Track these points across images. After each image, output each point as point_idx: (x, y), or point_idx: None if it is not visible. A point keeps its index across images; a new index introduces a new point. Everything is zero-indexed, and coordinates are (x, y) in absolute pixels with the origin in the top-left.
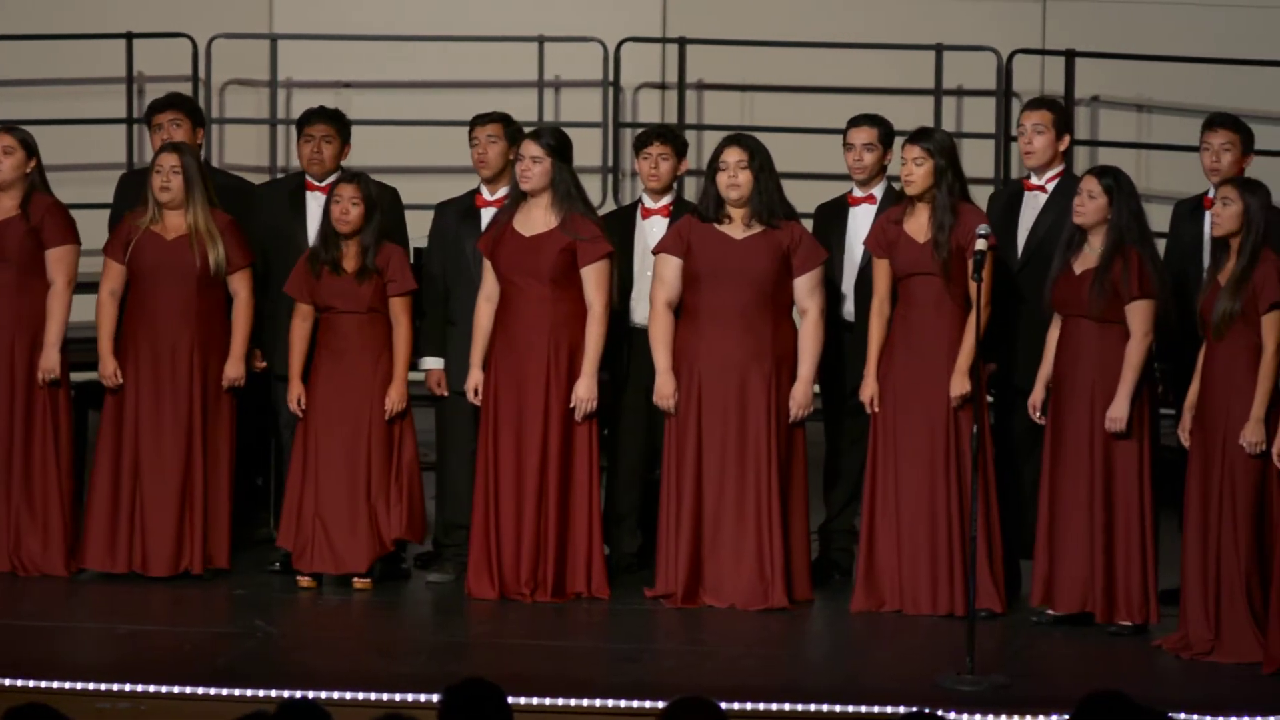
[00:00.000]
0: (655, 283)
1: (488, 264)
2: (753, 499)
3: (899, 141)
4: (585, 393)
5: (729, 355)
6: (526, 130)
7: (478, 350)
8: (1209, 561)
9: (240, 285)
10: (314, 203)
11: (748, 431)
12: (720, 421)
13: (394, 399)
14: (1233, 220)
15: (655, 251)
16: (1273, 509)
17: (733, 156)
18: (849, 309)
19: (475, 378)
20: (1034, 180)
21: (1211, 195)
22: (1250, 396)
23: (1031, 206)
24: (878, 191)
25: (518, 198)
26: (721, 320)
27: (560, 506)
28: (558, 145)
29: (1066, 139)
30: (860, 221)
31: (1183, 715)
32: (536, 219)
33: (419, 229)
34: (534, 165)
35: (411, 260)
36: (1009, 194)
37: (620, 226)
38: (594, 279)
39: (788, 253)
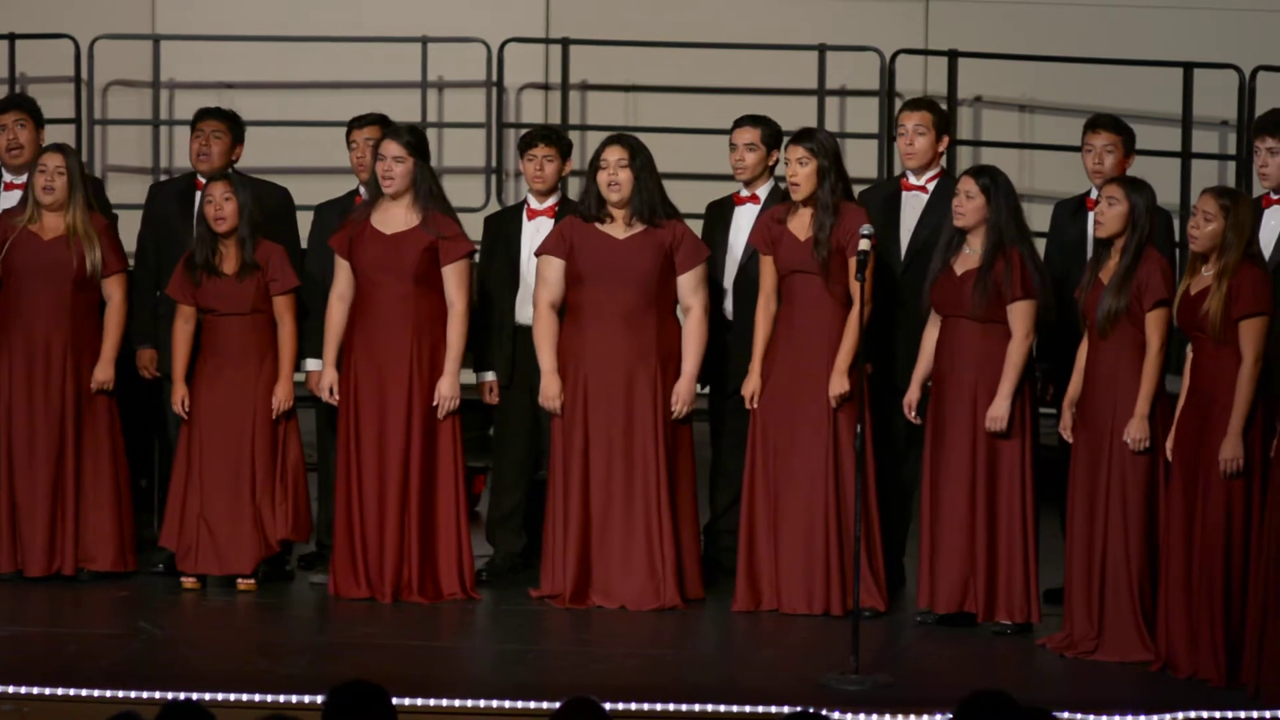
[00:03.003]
0: (538, 284)
1: (342, 263)
2: (641, 498)
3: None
4: (448, 390)
5: (614, 354)
6: (385, 130)
7: (331, 349)
8: (1094, 560)
9: (115, 289)
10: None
11: (634, 430)
12: (607, 420)
13: (280, 398)
14: (1118, 220)
15: (538, 253)
16: (1159, 507)
17: (613, 156)
18: (729, 307)
19: (330, 377)
20: (913, 180)
21: (1094, 196)
22: (1135, 394)
23: (912, 207)
24: (762, 191)
25: (375, 197)
26: (605, 319)
27: (425, 506)
28: (418, 144)
29: (946, 140)
30: (744, 220)
31: (1066, 714)
32: (397, 218)
33: (302, 229)
34: (396, 166)
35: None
36: (886, 193)
37: (505, 227)
38: (455, 278)
39: (670, 251)
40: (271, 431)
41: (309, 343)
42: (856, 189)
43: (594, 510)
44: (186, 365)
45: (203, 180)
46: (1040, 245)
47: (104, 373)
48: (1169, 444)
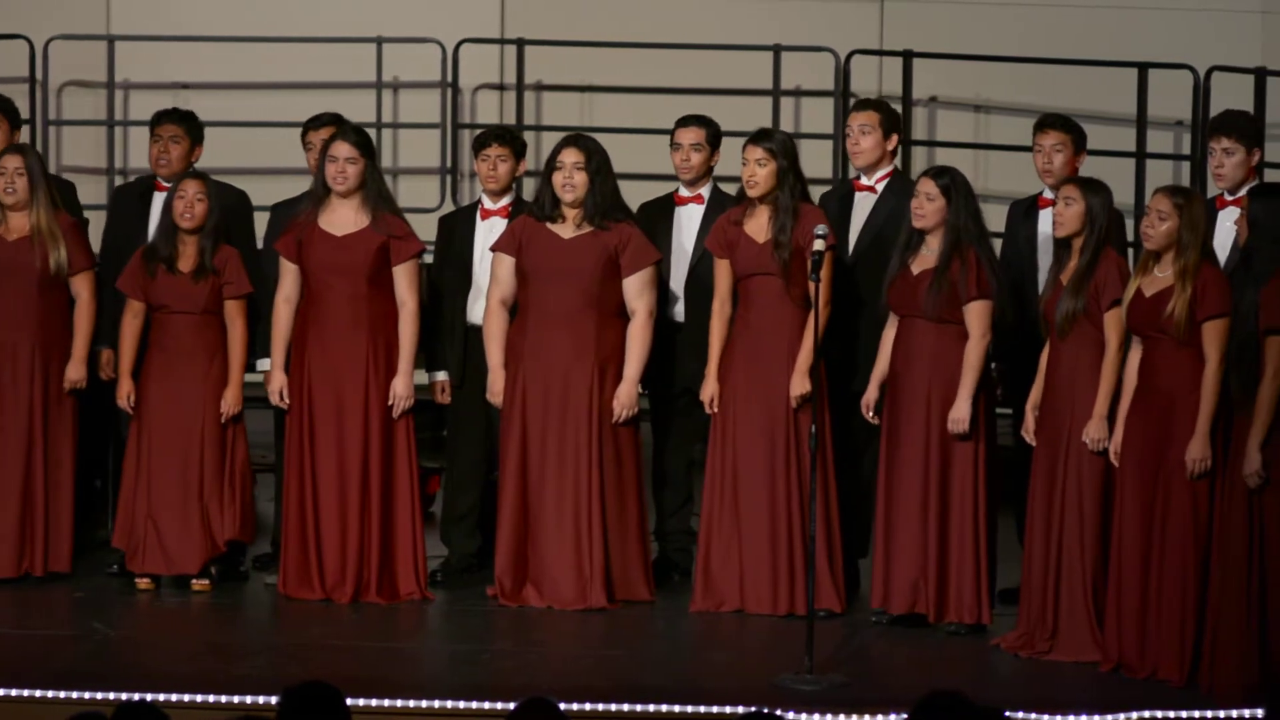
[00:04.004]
0: (490, 281)
1: (288, 265)
2: (572, 499)
3: (731, 142)
4: (403, 390)
5: (552, 354)
6: (334, 131)
7: (279, 352)
8: (1050, 559)
9: (82, 287)
10: (159, 204)
11: (568, 432)
12: (542, 420)
13: (230, 401)
14: (1075, 220)
15: (492, 249)
16: (1115, 508)
17: (570, 158)
18: (678, 309)
19: (280, 380)
20: (864, 180)
21: (1047, 195)
22: (1093, 394)
23: (862, 207)
24: (705, 191)
25: (320, 198)
26: (547, 319)
27: (384, 507)
28: (368, 144)
29: (894, 139)
30: (687, 221)
31: (1021, 714)
32: (346, 219)
33: (257, 230)
34: (350, 166)
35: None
36: (841, 194)
37: (459, 227)
38: (406, 277)
39: (615, 253)
40: (220, 432)
41: (263, 344)
42: (812, 189)
43: (530, 509)
44: (133, 361)
45: (163, 183)
46: (996, 246)
47: (76, 371)
48: (1114, 444)
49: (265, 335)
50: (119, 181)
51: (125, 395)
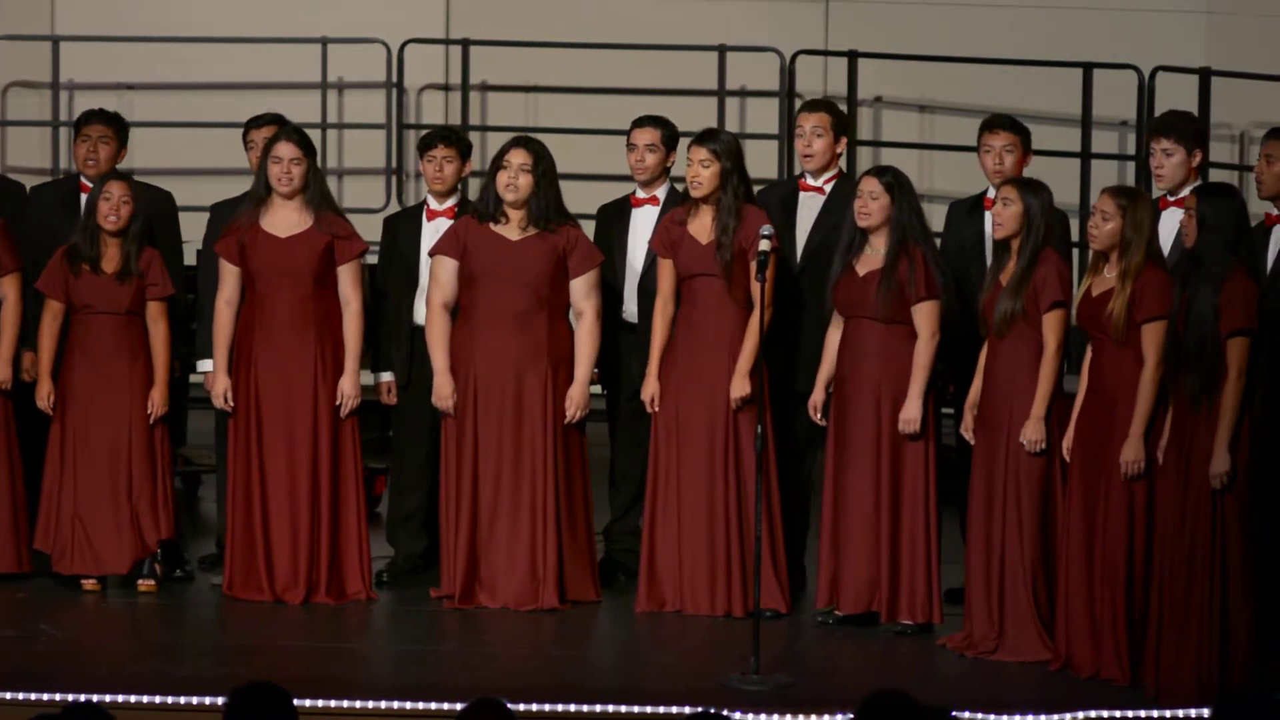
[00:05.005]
0: (431, 284)
1: (229, 268)
2: (528, 500)
3: (683, 143)
4: (351, 389)
5: (504, 357)
6: (278, 131)
7: (222, 355)
8: (992, 560)
9: (9, 288)
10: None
11: (523, 433)
12: (495, 423)
13: (157, 403)
14: (1014, 221)
15: (431, 253)
16: (1055, 507)
17: (517, 159)
18: (631, 310)
19: (224, 382)
20: (810, 181)
21: (992, 195)
22: (1032, 395)
23: (809, 208)
24: (660, 193)
25: (261, 199)
26: (497, 321)
27: (332, 507)
28: (310, 144)
29: (844, 141)
30: (643, 223)
31: (967, 714)
32: (289, 220)
33: (197, 229)
34: (295, 167)
35: (195, 262)
36: (784, 193)
37: (404, 228)
38: (350, 276)
39: (563, 255)
40: (148, 433)
41: (206, 345)
42: (756, 189)
43: (481, 511)
44: (52, 362)
45: (87, 183)
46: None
47: (2, 372)
48: (1066, 444)
49: (206, 337)
50: None
51: (45, 396)
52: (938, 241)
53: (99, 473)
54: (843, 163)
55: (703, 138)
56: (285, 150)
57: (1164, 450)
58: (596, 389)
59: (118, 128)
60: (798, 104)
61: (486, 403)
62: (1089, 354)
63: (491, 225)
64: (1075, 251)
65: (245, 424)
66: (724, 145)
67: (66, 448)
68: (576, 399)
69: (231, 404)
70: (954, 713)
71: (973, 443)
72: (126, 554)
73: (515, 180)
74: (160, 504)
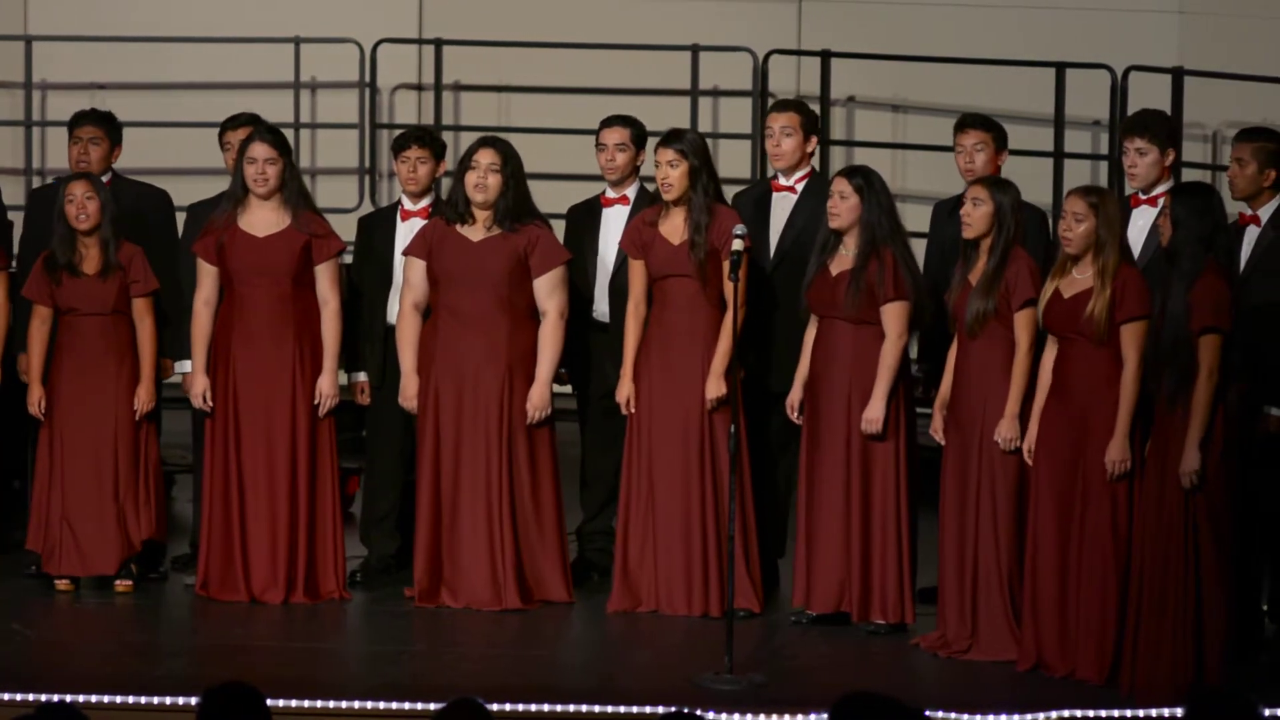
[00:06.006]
0: (403, 285)
1: (207, 268)
2: (484, 501)
3: (650, 143)
4: (329, 388)
5: (464, 357)
6: (252, 132)
7: (200, 355)
8: (966, 560)
9: None
10: None
11: (479, 433)
12: (455, 423)
13: (143, 399)
14: (983, 220)
15: (404, 254)
16: (1028, 507)
17: (485, 159)
18: (603, 310)
19: (202, 382)
20: (782, 181)
21: None
22: (1004, 394)
23: (782, 207)
24: (631, 192)
25: (239, 199)
26: (459, 322)
27: (310, 507)
28: (285, 144)
29: (814, 140)
30: (613, 222)
31: (940, 713)
32: (267, 219)
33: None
34: (269, 167)
35: None
36: (758, 194)
37: (378, 228)
38: (328, 275)
39: (524, 255)
40: (134, 432)
41: (184, 344)
42: (730, 190)
43: (444, 512)
44: (43, 366)
45: None
46: (918, 245)
47: None
48: (1028, 444)
49: (184, 337)
50: (37, 182)
51: (36, 401)
52: (917, 242)
53: (85, 474)
54: (815, 162)
55: (668, 138)
56: (260, 151)
57: (1147, 450)
58: (565, 389)
59: (109, 128)
60: (771, 104)
61: (447, 404)
62: (1052, 352)
63: (458, 226)
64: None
65: (223, 424)
66: (690, 144)
67: (55, 450)
68: (537, 400)
69: (210, 404)
70: (927, 712)
71: (943, 443)
72: (113, 554)
73: (484, 180)
74: (143, 503)
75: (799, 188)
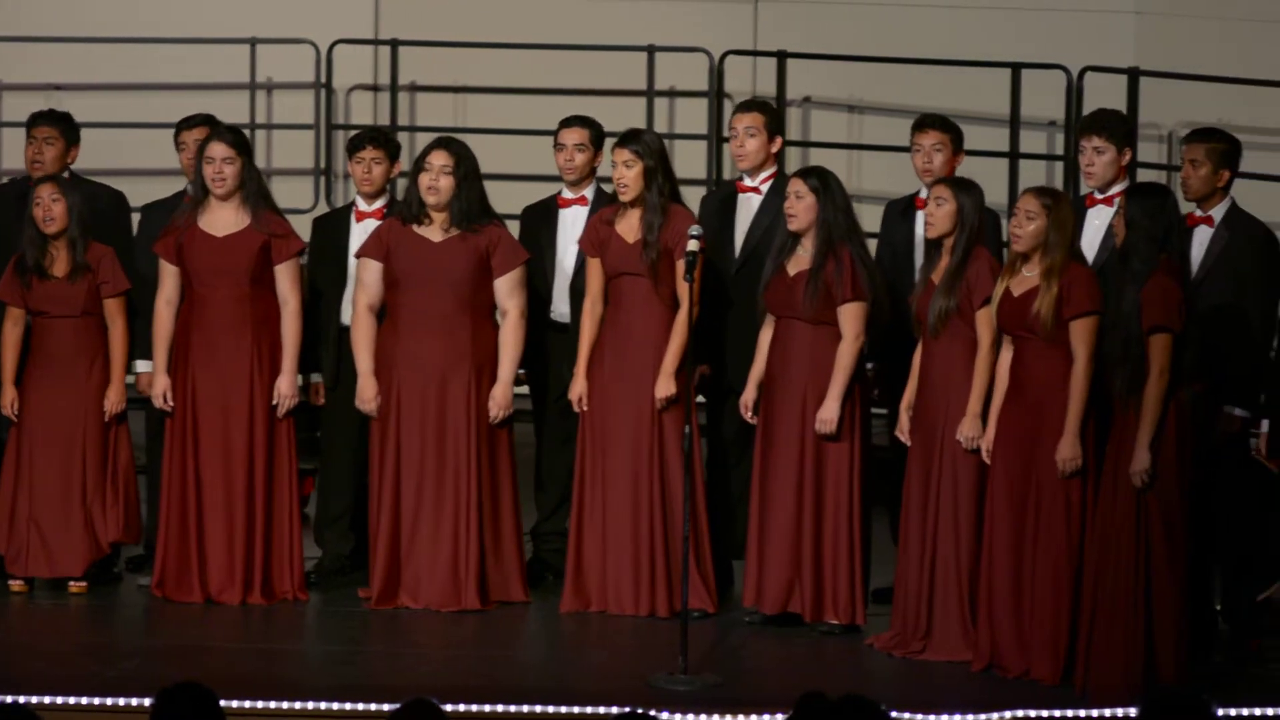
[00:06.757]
0: (357, 286)
1: (169, 267)
2: (450, 502)
3: (608, 143)
4: (288, 389)
5: (428, 358)
6: (209, 132)
7: (161, 355)
8: (925, 559)
9: None
10: None
11: (446, 435)
12: (419, 424)
13: (113, 400)
14: (946, 220)
15: (357, 255)
16: (986, 506)
17: (438, 161)
18: (562, 310)
19: (163, 383)
20: (747, 182)
21: (923, 195)
22: (966, 393)
23: (746, 208)
24: (589, 193)
25: (199, 199)
26: (421, 323)
27: (267, 507)
28: (244, 143)
29: (778, 141)
30: (571, 223)
31: (895, 713)
32: (226, 219)
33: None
34: (227, 167)
35: None
36: (722, 196)
37: (333, 229)
38: (288, 275)
39: (486, 255)
40: (103, 434)
41: (139, 344)
42: (686, 190)
43: (405, 513)
44: (15, 368)
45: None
46: (872, 246)
47: None
48: (986, 443)
49: (144, 337)
50: None
51: (9, 403)
52: (871, 242)
53: (53, 475)
54: (777, 163)
55: (624, 139)
56: (217, 150)
57: (1106, 449)
58: (522, 389)
59: (64, 128)
60: (727, 104)
61: (410, 405)
62: (1009, 352)
63: (415, 227)
64: (1005, 251)
65: (181, 424)
66: (645, 145)
67: (23, 451)
68: (499, 399)
69: (171, 404)
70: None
71: (908, 444)
72: (79, 556)
73: (436, 183)
74: (110, 504)
75: (764, 188)
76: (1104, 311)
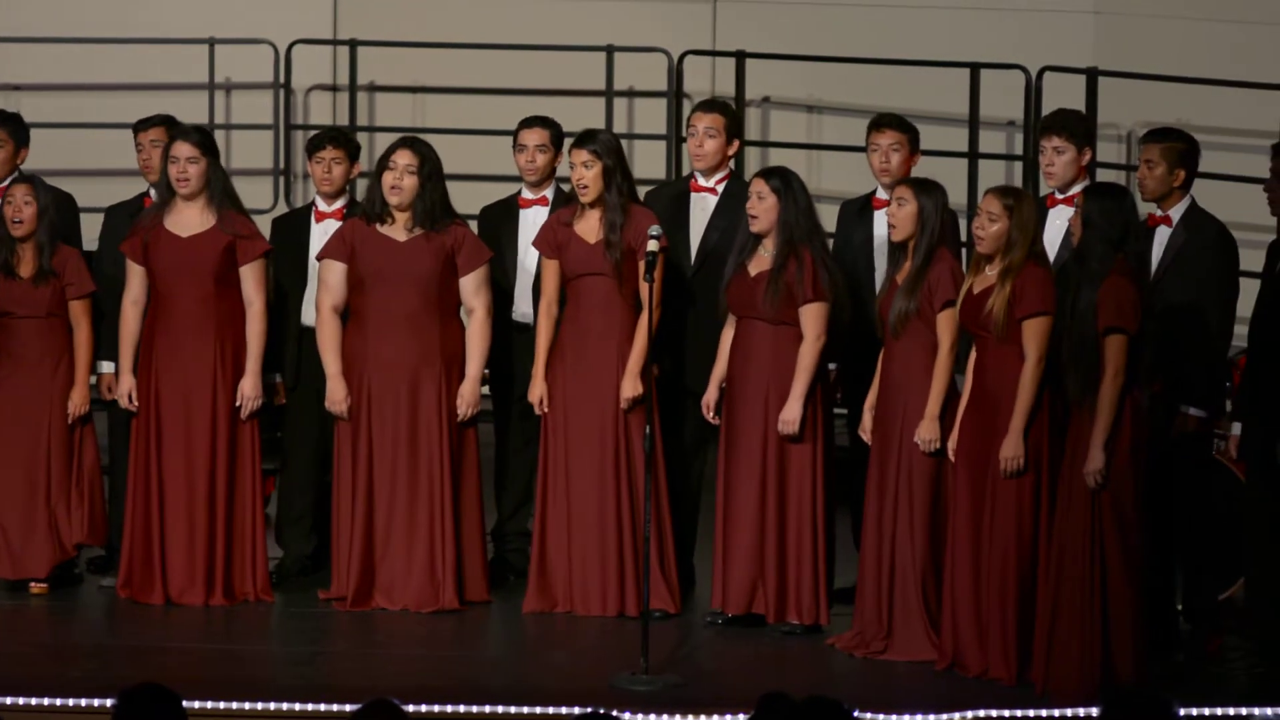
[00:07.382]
0: (320, 288)
1: (135, 268)
2: (425, 501)
3: (567, 143)
4: (251, 390)
5: (397, 358)
6: (173, 131)
7: (127, 355)
8: (884, 560)
9: None
10: None
11: (419, 433)
12: (391, 425)
13: (77, 402)
14: (908, 220)
15: (319, 257)
16: (947, 507)
17: (402, 160)
18: (525, 311)
19: (128, 383)
20: (701, 182)
21: (881, 195)
22: (925, 395)
23: (701, 209)
24: (549, 193)
25: (165, 199)
26: (388, 323)
27: (229, 508)
28: (209, 143)
29: (736, 144)
30: (533, 223)
31: (857, 713)
32: (191, 219)
33: (91, 232)
34: (191, 166)
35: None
36: (674, 193)
37: (293, 229)
38: (253, 276)
39: (451, 254)
40: (67, 435)
41: (103, 345)
42: (644, 190)
43: (378, 513)
44: None
45: None
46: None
47: None
48: (951, 444)
49: (109, 338)
50: None
51: None
52: (831, 242)
53: (18, 477)
54: (732, 163)
55: (581, 139)
56: (181, 150)
57: (1065, 449)
58: (484, 389)
59: (13, 129)
60: (686, 104)
61: (381, 406)
62: (974, 354)
63: (379, 227)
64: (965, 252)
65: (145, 424)
66: (603, 145)
67: None
68: (468, 396)
69: (136, 405)
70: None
71: (870, 444)
72: (44, 558)
73: (400, 182)
74: (75, 505)
75: (719, 189)
76: (1056, 312)
